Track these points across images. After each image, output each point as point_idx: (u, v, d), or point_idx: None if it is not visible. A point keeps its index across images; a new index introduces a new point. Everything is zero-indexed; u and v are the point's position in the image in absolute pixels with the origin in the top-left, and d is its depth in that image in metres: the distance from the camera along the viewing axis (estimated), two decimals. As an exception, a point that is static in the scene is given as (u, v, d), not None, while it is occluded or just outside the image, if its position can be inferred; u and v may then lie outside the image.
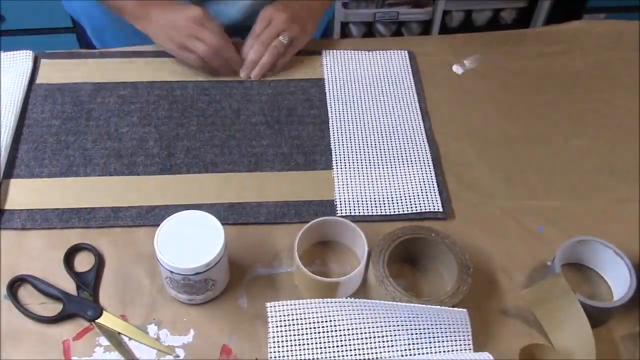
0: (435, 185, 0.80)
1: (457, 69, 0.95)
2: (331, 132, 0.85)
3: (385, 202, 0.78)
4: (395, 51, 0.96)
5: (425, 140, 0.85)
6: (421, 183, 0.80)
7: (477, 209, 0.78)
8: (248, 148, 0.83)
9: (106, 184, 0.78)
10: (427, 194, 0.79)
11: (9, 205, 0.76)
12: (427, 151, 0.84)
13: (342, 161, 0.82)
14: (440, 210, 0.77)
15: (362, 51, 0.96)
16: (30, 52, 0.91)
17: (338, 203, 0.77)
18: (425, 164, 0.82)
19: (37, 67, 0.91)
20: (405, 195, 0.79)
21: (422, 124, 0.87)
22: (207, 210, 0.73)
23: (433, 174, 0.81)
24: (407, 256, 0.73)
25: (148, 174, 0.80)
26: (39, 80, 0.89)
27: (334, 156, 0.82)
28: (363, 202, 0.78)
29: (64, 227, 0.74)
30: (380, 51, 0.96)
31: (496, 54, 0.97)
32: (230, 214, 0.76)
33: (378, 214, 0.77)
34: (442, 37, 1.02)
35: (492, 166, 0.83)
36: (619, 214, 0.79)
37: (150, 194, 0.78)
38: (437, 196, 0.79)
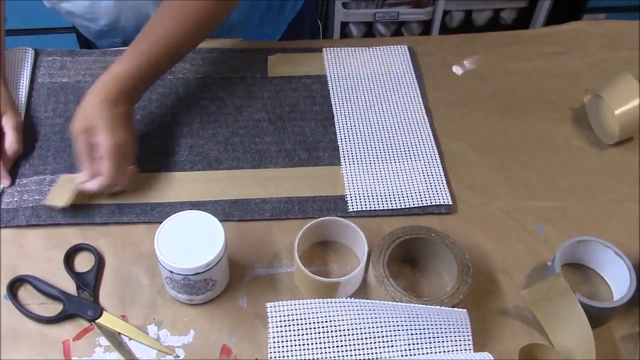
0: (443, 176, 0.80)
1: (457, 69, 0.95)
2: (337, 127, 0.86)
3: (392, 195, 0.78)
4: (395, 46, 0.97)
5: (430, 132, 0.85)
6: (428, 175, 0.81)
7: (477, 209, 0.78)
8: (251, 145, 0.83)
9: (110, 182, 0.78)
10: (435, 185, 0.79)
11: (14, 203, 0.75)
12: (432, 143, 0.84)
13: (349, 156, 0.82)
14: (450, 203, 0.78)
15: (363, 47, 0.96)
16: (30, 48, 0.91)
17: (349, 199, 0.78)
18: (431, 156, 0.82)
19: (39, 66, 0.91)
20: (413, 187, 0.79)
21: (425, 117, 0.87)
22: (211, 207, 0.72)
23: (440, 166, 0.81)
24: (407, 256, 0.73)
25: (152, 172, 0.80)
26: (41, 78, 0.89)
27: (341, 152, 0.83)
28: (371, 197, 0.78)
29: (68, 223, 0.74)
30: (380, 47, 0.96)
31: (496, 54, 0.97)
32: (234, 211, 0.76)
33: (387, 208, 0.77)
34: (442, 37, 1.02)
35: (492, 166, 0.83)
36: (619, 214, 0.79)
37: (154, 191, 0.78)
38: (445, 187, 0.79)
